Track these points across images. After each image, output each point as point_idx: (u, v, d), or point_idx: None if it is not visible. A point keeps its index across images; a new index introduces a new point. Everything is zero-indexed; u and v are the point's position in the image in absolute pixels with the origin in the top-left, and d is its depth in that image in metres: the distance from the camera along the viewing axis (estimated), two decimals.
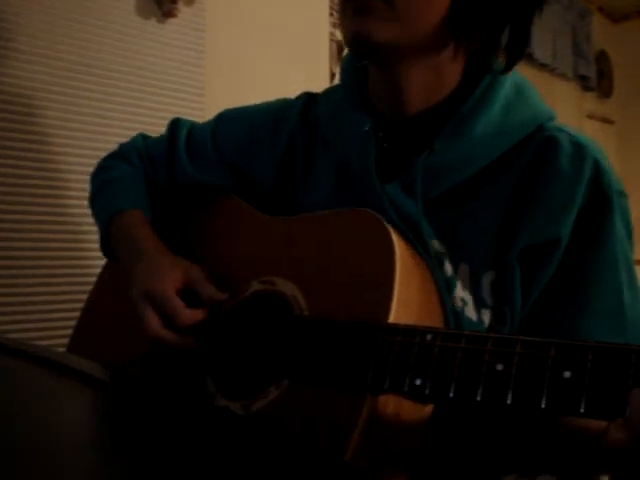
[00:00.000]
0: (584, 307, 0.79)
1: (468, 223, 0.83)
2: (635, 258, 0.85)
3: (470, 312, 0.81)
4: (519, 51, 0.85)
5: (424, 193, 0.84)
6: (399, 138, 0.90)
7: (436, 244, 0.83)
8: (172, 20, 2.01)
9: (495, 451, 0.85)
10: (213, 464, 0.54)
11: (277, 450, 0.63)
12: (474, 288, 0.82)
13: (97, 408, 0.69)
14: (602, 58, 4.72)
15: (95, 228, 1.13)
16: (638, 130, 4.86)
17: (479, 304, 0.81)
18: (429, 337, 0.69)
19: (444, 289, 0.81)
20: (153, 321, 0.89)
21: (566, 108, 4.18)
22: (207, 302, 0.90)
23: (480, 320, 0.81)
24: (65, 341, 1.18)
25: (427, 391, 0.67)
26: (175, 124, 1.15)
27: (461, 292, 0.81)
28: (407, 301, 0.75)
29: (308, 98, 1.05)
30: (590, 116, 4.61)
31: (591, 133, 3.98)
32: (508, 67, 0.85)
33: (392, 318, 0.72)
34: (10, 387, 0.70)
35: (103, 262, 1.18)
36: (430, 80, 0.85)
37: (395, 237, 0.78)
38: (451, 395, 0.65)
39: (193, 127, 1.14)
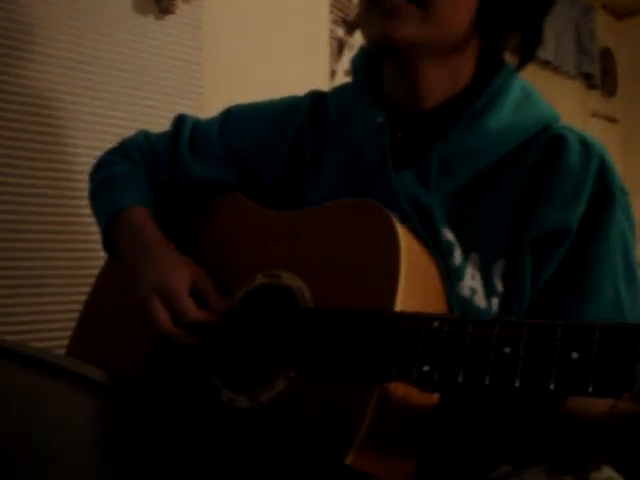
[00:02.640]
0: (583, 298, 0.82)
1: (480, 212, 0.86)
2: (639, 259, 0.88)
3: (479, 300, 0.83)
4: (532, 48, 0.90)
5: (437, 183, 0.86)
6: (413, 130, 0.92)
7: (447, 233, 0.84)
8: (170, 17, 2.01)
9: (497, 441, 0.86)
10: (215, 463, 0.54)
11: (279, 450, 0.63)
12: (485, 276, 0.83)
13: (97, 409, 0.69)
14: (606, 55, 4.73)
15: (96, 229, 1.12)
16: None
17: (489, 292, 0.83)
18: (436, 324, 0.69)
19: (453, 278, 0.82)
20: (163, 318, 0.90)
21: (570, 107, 4.18)
22: (213, 308, 0.91)
23: (489, 308, 0.82)
24: (63, 343, 1.17)
25: (435, 377, 0.67)
26: (179, 120, 1.15)
27: (470, 281, 0.83)
28: (412, 291, 0.76)
29: (317, 94, 1.06)
30: (595, 114, 4.61)
31: (595, 132, 3.97)
32: (522, 64, 0.90)
33: (398, 308, 0.73)
34: (9, 388, 0.70)
35: (103, 263, 1.18)
36: (447, 77, 0.88)
37: (400, 227, 0.78)
38: (460, 380, 0.66)
39: (198, 123, 1.15)
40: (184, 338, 0.89)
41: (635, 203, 0.88)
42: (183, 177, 1.11)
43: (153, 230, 1.03)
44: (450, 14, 0.81)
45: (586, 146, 0.84)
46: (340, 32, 2.60)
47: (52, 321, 1.74)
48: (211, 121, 1.13)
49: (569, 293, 0.82)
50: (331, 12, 2.62)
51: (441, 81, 0.88)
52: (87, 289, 1.18)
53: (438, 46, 0.84)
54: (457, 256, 0.83)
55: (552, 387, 0.60)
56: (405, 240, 0.77)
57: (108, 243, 1.10)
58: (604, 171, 0.84)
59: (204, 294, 0.93)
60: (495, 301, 0.83)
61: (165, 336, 0.90)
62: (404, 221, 0.84)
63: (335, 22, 2.61)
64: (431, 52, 0.85)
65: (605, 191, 0.83)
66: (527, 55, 0.90)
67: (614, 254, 0.82)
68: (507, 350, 0.63)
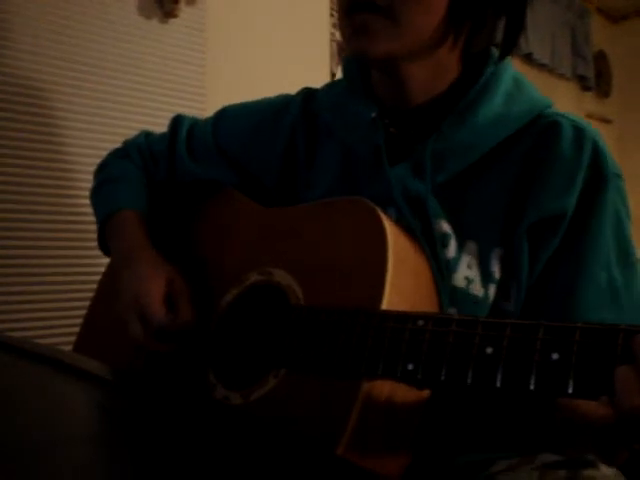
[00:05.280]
0: (579, 281, 0.82)
1: (475, 202, 0.86)
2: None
3: (476, 289, 0.83)
4: (514, 39, 0.88)
5: (432, 175, 0.86)
6: (404, 125, 0.92)
7: (443, 224, 0.85)
8: (173, 20, 2.01)
9: (492, 433, 0.87)
10: (210, 459, 0.55)
11: (272, 446, 0.64)
12: (482, 264, 0.84)
13: (98, 405, 0.70)
14: (600, 58, 4.72)
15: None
16: (636, 130, 4.85)
17: (486, 280, 0.83)
18: (420, 323, 0.69)
19: (444, 270, 0.82)
20: (135, 326, 0.92)
21: (565, 108, 4.11)
22: (180, 322, 0.93)
23: (486, 295, 0.83)
24: (67, 339, 1.19)
25: (419, 376, 0.68)
26: (177, 121, 1.16)
27: (465, 271, 0.83)
28: (400, 287, 0.76)
29: (308, 92, 1.06)
30: (589, 116, 4.61)
31: None
32: (503, 55, 0.89)
33: (385, 305, 0.74)
34: (13, 385, 0.71)
35: (106, 261, 1.20)
36: (431, 74, 0.88)
37: (387, 224, 0.79)
38: (442, 379, 0.66)
39: (194, 123, 1.16)
40: (154, 347, 0.91)
41: (632, 200, 0.87)
42: (181, 176, 1.13)
43: (139, 235, 1.04)
44: (419, 20, 0.81)
45: (579, 131, 0.84)
46: (340, 35, 2.59)
47: (58, 318, 1.75)
48: (206, 121, 1.14)
49: (564, 278, 0.82)
50: (331, 16, 2.61)
51: (425, 78, 0.88)
52: (94, 286, 1.20)
53: (412, 50, 0.84)
54: (452, 248, 0.84)
55: (532, 387, 0.60)
56: (393, 236, 0.78)
57: (103, 243, 1.12)
58: (597, 155, 0.84)
59: (175, 301, 0.94)
60: (492, 288, 0.83)
61: (140, 344, 0.92)
62: (399, 215, 0.85)
63: (335, 26, 2.58)
64: (404, 57, 0.85)
65: (598, 175, 0.83)
66: (508, 45, 0.88)
67: (606, 236, 0.82)
68: (489, 350, 0.63)
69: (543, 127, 0.86)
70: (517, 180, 0.85)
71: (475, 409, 0.85)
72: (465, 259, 0.84)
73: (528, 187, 0.84)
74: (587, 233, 0.82)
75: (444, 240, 0.84)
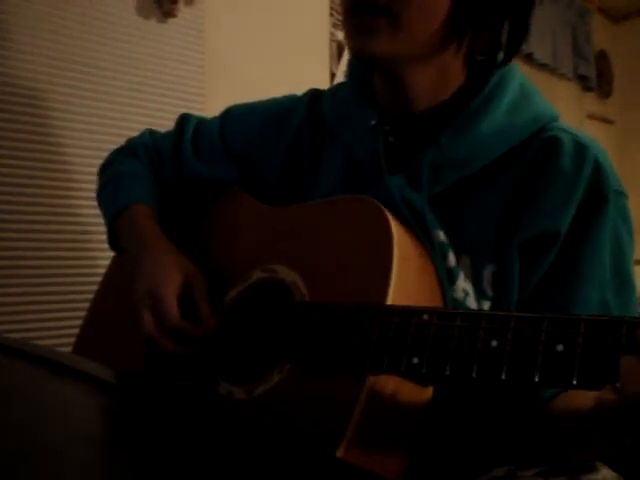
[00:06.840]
0: (570, 300, 0.81)
1: (470, 217, 0.85)
2: (635, 258, 0.87)
3: (471, 303, 0.82)
4: (517, 43, 0.87)
5: (429, 187, 0.85)
6: (404, 133, 0.91)
7: (440, 235, 0.84)
8: (172, 20, 2.01)
9: (490, 442, 0.86)
10: (213, 457, 0.55)
11: (272, 447, 0.64)
12: (475, 280, 0.83)
13: (98, 405, 0.69)
14: (602, 58, 4.73)
15: (98, 228, 1.14)
16: (638, 130, 4.86)
17: (480, 295, 0.83)
18: (425, 317, 0.70)
19: (445, 278, 0.82)
20: (148, 321, 0.91)
21: (566, 108, 4.18)
22: (200, 319, 0.92)
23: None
24: (67, 340, 1.18)
25: (424, 369, 0.68)
26: (183, 119, 1.16)
27: (463, 283, 0.83)
28: (405, 284, 0.76)
29: (315, 93, 1.06)
30: (590, 116, 4.61)
31: (591, 133, 3.96)
32: (506, 59, 0.87)
33: (390, 300, 0.74)
34: (12, 387, 0.70)
35: (106, 262, 1.20)
36: (434, 79, 0.87)
37: (393, 222, 0.79)
38: (447, 373, 0.67)
39: (200, 122, 1.16)
40: (165, 343, 0.91)
41: (633, 201, 0.86)
42: (186, 175, 1.13)
43: (153, 229, 1.04)
44: (419, 21, 0.80)
45: (581, 148, 0.83)
46: (340, 35, 2.60)
47: (58, 319, 1.74)
48: (213, 120, 1.14)
49: (555, 298, 0.82)
50: (331, 15, 2.62)
51: (428, 84, 0.87)
52: (94, 287, 1.20)
53: (414, 53, 0.83)
54: (451, 258, 0.83)
55: (537, 379, 0.61)
56: (398, 233, 0.78)
57: (114, 241, 1.11)
58: (598, 174, 0.82)
59: (195, 301, 0.93)
60: (486, 304, 0.83)
61: (149, 337, 0.91)
62: (401, 221, 0.83)
63: (335, 25, 2.60)
64: (409, 59, 0.84)
65: (598, 194, 0.81)
66: (511, 50, 0.87)
67: (603, 256, 0.81)
68: (494, 343, 0.64)
69: (544, 142, 0.84)
70: (514, 195, 0.84)
71: (475, 417, 0.84)
72: (462, 272, 0.83)
73: (524, 203, 0.83)
74: (582, 252, 0.81)
75: (444, 250, 0.84)
